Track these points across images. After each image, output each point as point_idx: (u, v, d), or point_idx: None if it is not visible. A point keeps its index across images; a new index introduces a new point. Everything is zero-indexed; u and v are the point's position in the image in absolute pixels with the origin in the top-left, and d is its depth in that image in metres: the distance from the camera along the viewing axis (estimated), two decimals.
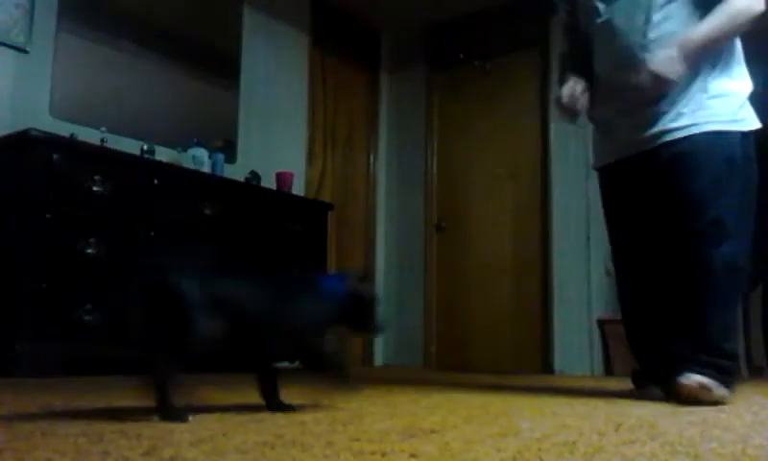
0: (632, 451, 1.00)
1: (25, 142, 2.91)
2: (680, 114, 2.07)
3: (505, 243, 4.81)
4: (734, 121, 2.06)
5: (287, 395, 1.60)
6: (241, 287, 1.39)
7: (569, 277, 4.45)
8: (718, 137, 2.03)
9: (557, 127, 4.62)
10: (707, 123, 2.05)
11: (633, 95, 2.11)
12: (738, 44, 2.13)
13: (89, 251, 2.99)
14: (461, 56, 5.20)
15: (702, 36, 2.00)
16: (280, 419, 1.37)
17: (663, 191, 2.11)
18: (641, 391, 2.20)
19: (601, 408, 1.75)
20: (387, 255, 5.35)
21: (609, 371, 4.25)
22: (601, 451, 1.00)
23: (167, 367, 1.28)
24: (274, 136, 4.57)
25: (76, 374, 2.87)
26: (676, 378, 1.91)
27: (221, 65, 4.35)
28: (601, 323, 4.33)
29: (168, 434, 1.11)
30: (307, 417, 1.40)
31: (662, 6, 2.07)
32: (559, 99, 2.26)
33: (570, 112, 2.25)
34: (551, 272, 4.53)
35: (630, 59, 2.09)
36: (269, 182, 4.15)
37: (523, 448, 1.01)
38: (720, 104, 2.06)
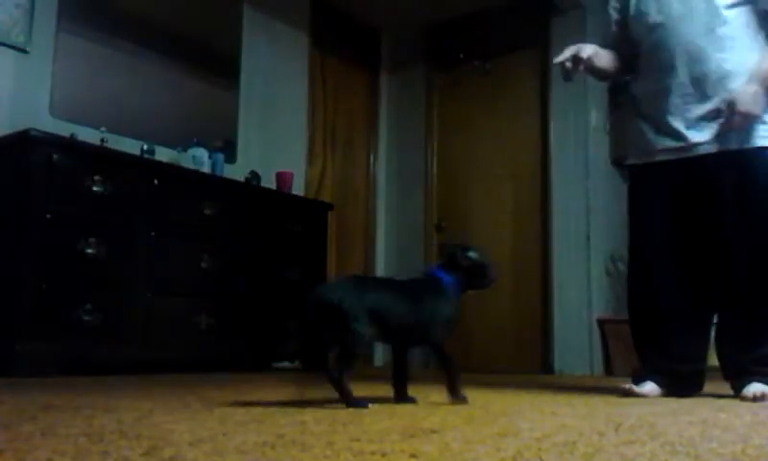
0: (632, 451, 1.00)
1: (25, 142, 2.91)
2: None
3: (505, 243, 4.80)
4: None
5: (287, 395, 1.59)
6: (385, 296, 1.69)
7: (569, 277, 4.45)
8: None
9: (557, 127, 4.62)
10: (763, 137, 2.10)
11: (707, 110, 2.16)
12: None
13: (89, 251, 2.99)
14: (461, 56, 5.20)
15: None
16: (281, 419, 1.37)
17: (726, 200, 2.15)
18: (640, 390, 2.21)
19: (601, 408, 1.75)
20: (387, 255, 5.35)
21: (609, 371, 4.25)
22: (601, 451, 1.00)
23: (341, 365, 1.59)
24: (274, 136, 4.57)
25: (76, 374, 2.87)
26: (742, 391, 2.06)
27: (221, 65, 4.35)
28: (601, 323, 4.33)
29: (168, 434, 1.11)
30: (307, 417, 1.40)
31: (722, 12, 2.13)
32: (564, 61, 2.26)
33: (569, 71, 2.26)
34: (551, 272, 4.52)
35: (697, 53, 2.15)
36: (269, 182, 4.15)
37: (523, 448, 1.01)
38: None
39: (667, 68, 2.22)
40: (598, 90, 4.69)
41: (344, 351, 1.58)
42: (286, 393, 1.64)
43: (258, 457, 0.91)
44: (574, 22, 4.69)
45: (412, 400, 1.76)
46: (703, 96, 2.16)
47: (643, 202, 2.33)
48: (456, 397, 1.73)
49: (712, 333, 2.33)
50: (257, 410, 1.53)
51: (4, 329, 2.81)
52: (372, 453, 0.95)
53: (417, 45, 5.44)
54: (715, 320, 2.31)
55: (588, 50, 2.29)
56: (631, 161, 2.43)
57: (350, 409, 1.56)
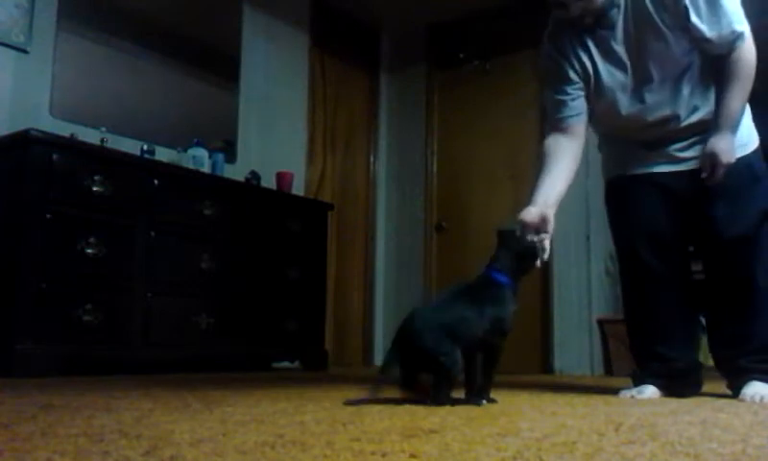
0: (632, 451, 1.00)
1: (25, 142, 2.91)
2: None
3: None
4: (749, 142, 2.20)
5: (287, 395, 1.59)
6: (459, 315, 1.76)
7: (569, 277, 4.45)
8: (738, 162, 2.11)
9: None
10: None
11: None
12: None
13: (89, 251, 2.99)
14: (461, 56, 5.20)
15: (738, 108, 2.10)
16: (280, 419, 1.37)
17: (697, 211, 2.19)
18: (641, 396, 2.21)
19: (601, 408, 1.75)
20: (387, 255, 5.35)
21: (609, 371, 4.25)
22: (601, 451, 1.00)
23: (439, 393, 1.67)
24: (274, 136, 4.57)
25: (76, 374, 2.87)
26: (742, 390, 2.07)
27: (221, 65, 4.35)
28: (601, 323, 4.33)
29: (168, 434, 1.11)
30: (307, 417, 1.40)
31: (684, 77, 2.15)
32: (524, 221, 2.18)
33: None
34: (551, 272, 4.52)
35: (669, 121, 2.19)
36: (269, 182, 4.15)
37: (523, 448, 1.01)
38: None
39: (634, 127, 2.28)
40: None
41: (438, 383, 1.67)
42: (286, 393, 1.64)
43: (258, 457, 0.91)
44: None
45: (494, 401, 1.80)
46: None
47: (632, 204, 2.34)
48: (488, 399, 1.79)
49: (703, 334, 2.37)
50: (257, 410, 1.53)
51: (4, 329, 2.81)
52: (372, 453, 0.94)
53: (417, 45, 5.44)
54: (704, 322, 2.34)
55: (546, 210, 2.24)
56: (608, 176, 2.51)
57: (350, 409, 1.56)
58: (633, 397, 2.18)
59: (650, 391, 2.20)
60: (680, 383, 2.22)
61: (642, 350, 2.33)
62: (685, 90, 2.16)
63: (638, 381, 2.28)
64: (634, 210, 2.33)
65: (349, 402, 1.67)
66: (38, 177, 2.91)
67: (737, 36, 2.05)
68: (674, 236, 2.26)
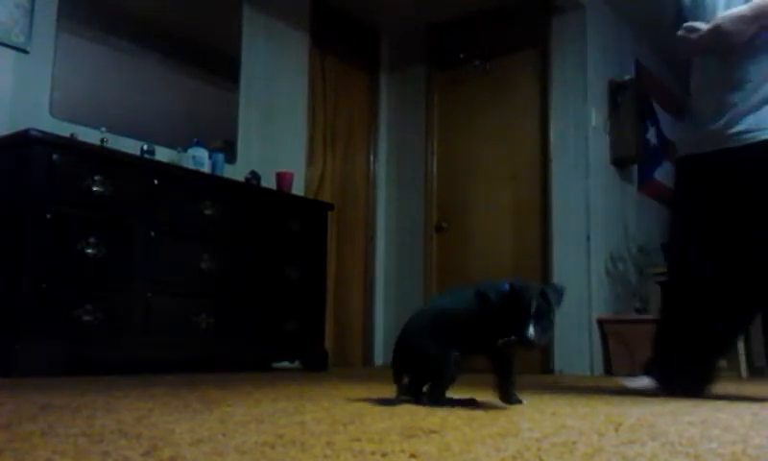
0: (632, 451, 1.00)
1: (25, 142, 2.91)
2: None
3: (505, 243, 4.80)
4: None
5: (287, 395, 1.59)
6: (457, 324, 1.73)
7: (569, 277, 4.45)
8: None
9: (557, 127, 4.62)
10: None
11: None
12: None
13: (89, 251, 2.99)
14: (461, 56, 5.20)
15: None
16: (280, 419, 1.37)
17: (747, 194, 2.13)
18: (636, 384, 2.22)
19: (601, 408, 1.75)
20: (387, 255, 5.35)
21: (609, 371, 4.25)
22: (601, 451, 1.00)
23: (436, 395, 1.69)
24: (274, 136, 4.57)
25: (76, 374, 2.87)
26: None
27: (221, 65, 4.35)
28: (601, 323, 4.33)
29: (168, 434, 1.11)
30: (307, 417, 1.40)
31: None
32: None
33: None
34: (551, 272, 4.52)
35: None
36: (269, 182, 4.15)
37: (523, 448, 1.01)
38: None
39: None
40: (598, 90, 4.69)
41: (435, 387, 1.70)
42: (286, 393, 1.64)
43: (258, 457, 0.91)
44: (574, 22, 4.69)
45: (520, 402, 1.82)
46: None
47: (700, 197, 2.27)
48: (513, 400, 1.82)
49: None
50: (257, 410, 1.53)
51: (4, 329, 2.81)
52: (372, 453, 0.94)
53: (417, 45, 5.44)
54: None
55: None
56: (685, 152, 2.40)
57: (350, 409, 1.56)
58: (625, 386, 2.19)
59: (646, 381, 2.21)
60: (694, 383, 2.21)
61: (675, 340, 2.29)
62: None
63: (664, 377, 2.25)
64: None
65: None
66: (38, 177, 2.91)
67: None
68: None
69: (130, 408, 1.53)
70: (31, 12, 3.37)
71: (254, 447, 0.99)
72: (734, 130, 2.12)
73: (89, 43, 3.65)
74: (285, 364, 4.11)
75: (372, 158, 5.42)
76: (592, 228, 4.42)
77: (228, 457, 0.91)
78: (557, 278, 4.51)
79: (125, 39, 3.80)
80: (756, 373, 4.35)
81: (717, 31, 2.05)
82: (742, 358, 4.20)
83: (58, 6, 3.48)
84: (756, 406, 1.86)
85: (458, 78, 5.24)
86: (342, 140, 5.21)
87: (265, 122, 4.53)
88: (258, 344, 3.73)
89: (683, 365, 2.23)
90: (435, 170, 5.27)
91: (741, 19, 2.03)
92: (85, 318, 2.94)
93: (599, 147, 4.60)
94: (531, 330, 1.65)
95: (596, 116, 4.60)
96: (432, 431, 1.18)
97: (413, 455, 0.94)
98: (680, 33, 2.16)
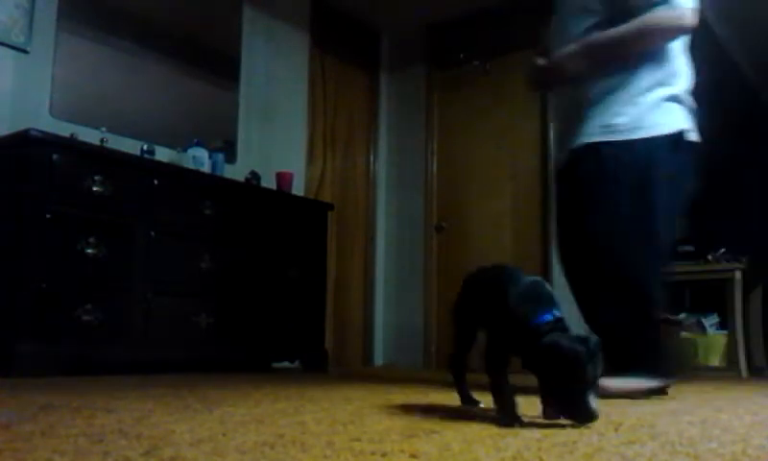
0: (632, 451, 1.00)
1: (25, 142, 2.91)
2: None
3: (505, 243, 4.80)
4: (608, 131, 2.17)
5: (287, 395, 1.59)
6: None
7: None
8: (587, 151, 2.17)
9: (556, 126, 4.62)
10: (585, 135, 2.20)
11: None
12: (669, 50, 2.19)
13: (89, 251, 2.99)
14: (461, 56, 5.20)
15: (606, 37, 2.13)
16: (280, 419, 1.37)
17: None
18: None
19: (601, 408, 1.74)
20: (387, 256, 5.35)
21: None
22: (601, 451, 1.00)
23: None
24: (274, 136, 4.57)
25: (76, 374, 2.87)
26: None
27: (221, 65, 4.35)
28: None
29: (168, 434, 1.11)
30: (307, 417, 1.40)
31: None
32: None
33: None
34: (551, 272, 4.52)
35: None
36: (269, 182, 4.15)
37: (523, 447, 1.01)
38: (598, 112, 2.18)
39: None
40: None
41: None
42: (286, 393, 1.64)
43: (258, 457, 0.91)
44: None
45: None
46: None
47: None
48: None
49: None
50: (257, 410, 1.53)
51: (4, 329, 2.81)
52: (372, 453, 0.95)
53: (417, 45, 5.44)
54: None
55: None
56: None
57: (350, 409, 1.56)
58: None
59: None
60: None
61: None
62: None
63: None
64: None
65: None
66: (38, 177, 2.91)
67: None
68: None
69: (130, 408, 1.53)
70: (31, 12, 3.37)
71: (254, 447, 0.99)
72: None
73: (89, 43, 3.65)
74: (285, 364, 4.11)
75: (371, 159, 5.42)
76: None
77: (229, 457, 0.91)
78: (557, 277, 4.50)
79: (125, 39, 3.80)
80: (755, 373, 4.35)
81: (557, 66, 2.23)
82: (742, 358, 4.20)
83: (58, 6, 3.48)
84: (755, 406, 1.87)
85: (458, 78, 5.24)
86: (342, 140, 5.21)
87: (265, 122, 4.53)
88: (258, 344, 3.73)
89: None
90: (435, 170, 5.27)
91: (572, 57, 2.19)
92: (85, 318, 2.94)
93: None
94: (592, 405, 1.25)
95: None
96: (432, 431, 1.18)
97: (413, 455, 0.94)
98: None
